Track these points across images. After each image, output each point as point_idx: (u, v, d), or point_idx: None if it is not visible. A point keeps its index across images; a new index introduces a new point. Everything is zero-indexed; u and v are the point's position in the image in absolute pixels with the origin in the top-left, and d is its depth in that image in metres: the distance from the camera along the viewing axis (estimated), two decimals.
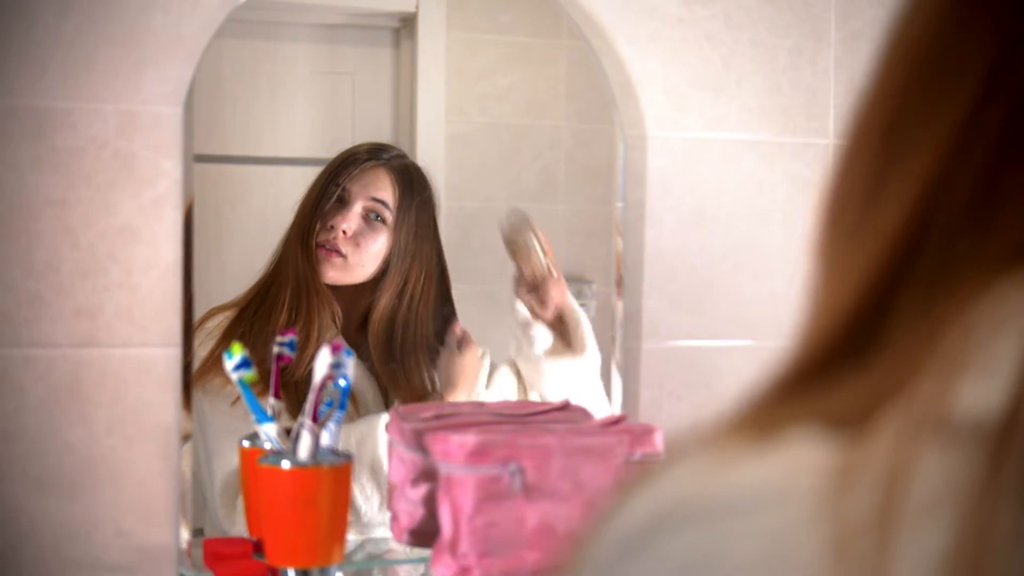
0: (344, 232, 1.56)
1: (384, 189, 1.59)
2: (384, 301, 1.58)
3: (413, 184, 1.62)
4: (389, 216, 1.59)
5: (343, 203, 1.58)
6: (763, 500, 0.36)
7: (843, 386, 0.38)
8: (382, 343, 1.58)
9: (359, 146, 1.63)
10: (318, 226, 1.56)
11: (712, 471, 0.37)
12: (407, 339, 1.59)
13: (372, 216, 1.58)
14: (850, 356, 0.38)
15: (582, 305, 1.85)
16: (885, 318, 0.37)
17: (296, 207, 1.59)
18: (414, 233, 1.60)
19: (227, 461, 1.44)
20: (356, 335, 1.60)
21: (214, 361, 1.45)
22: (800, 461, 0.36)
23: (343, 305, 1.58)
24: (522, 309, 1.64)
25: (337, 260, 1.57)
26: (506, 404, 1.39)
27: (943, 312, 0.36)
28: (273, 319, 1.52)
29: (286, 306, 1.53)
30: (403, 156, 1.64)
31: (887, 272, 0.38)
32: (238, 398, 1.37)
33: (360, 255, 1.57)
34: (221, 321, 1.54)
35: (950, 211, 0.37)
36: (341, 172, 1.59)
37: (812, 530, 0.34)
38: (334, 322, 1.56)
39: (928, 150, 0.38)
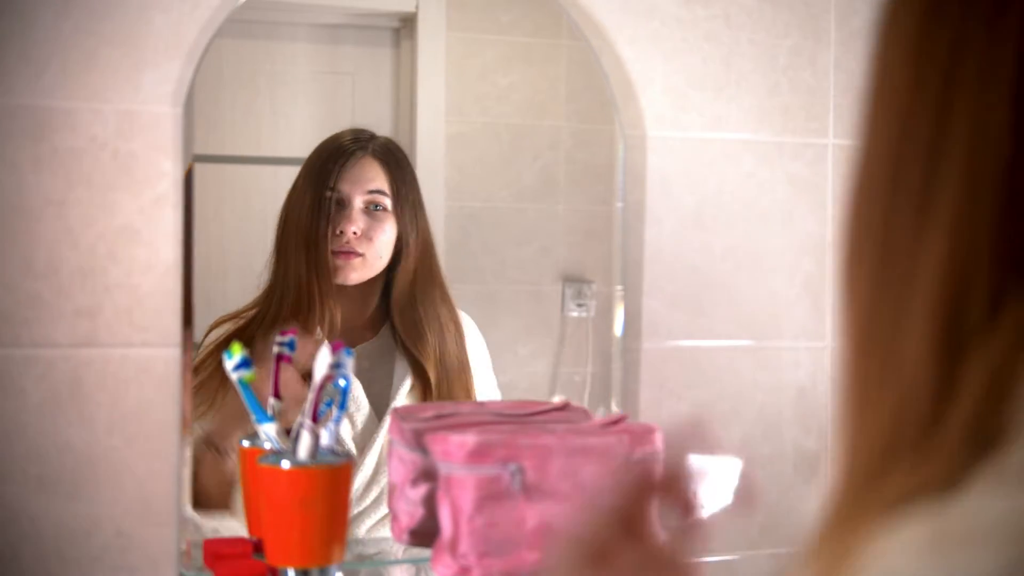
0: (355, 233, 1.57)
1: (376, 179, 1.60)
2: (402, 282, 1.60)
3: (399, 163, 1.63)
4: (389, 203, 1.60)
5: (341, 205, 1.58)
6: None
7: (924, 456, 0.38)
8: (408, 321, 1.60)
9: (329, 141, 1.62)
10: (328, 234, 1.56)
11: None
12: (429, 311, 1.61)
13: (372, 208, 1.59)
14: (922, 430, 0.38)
15: (581, 305, 1.85)
16: (951, 386, 0.38)
17: (285, 215, 1.58)
18: (412, 209, 1.61)
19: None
20: (363, 331, 1.61)
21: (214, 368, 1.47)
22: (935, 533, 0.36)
23: (349, 304, 1.59)
24: None
25: (356, 261, 1.58)
26: (506, 404, 1.39)
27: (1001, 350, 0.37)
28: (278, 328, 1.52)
29: (289, 316, 1.53)
30: (378, 137, 1.64)
31: (943, 351, 0.38)
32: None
33: (375, 249, 1.59)
34: (229, 328, 1.54)
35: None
36: (327, 172, 1.59)
37: None
38: (333, 324, 1.57)
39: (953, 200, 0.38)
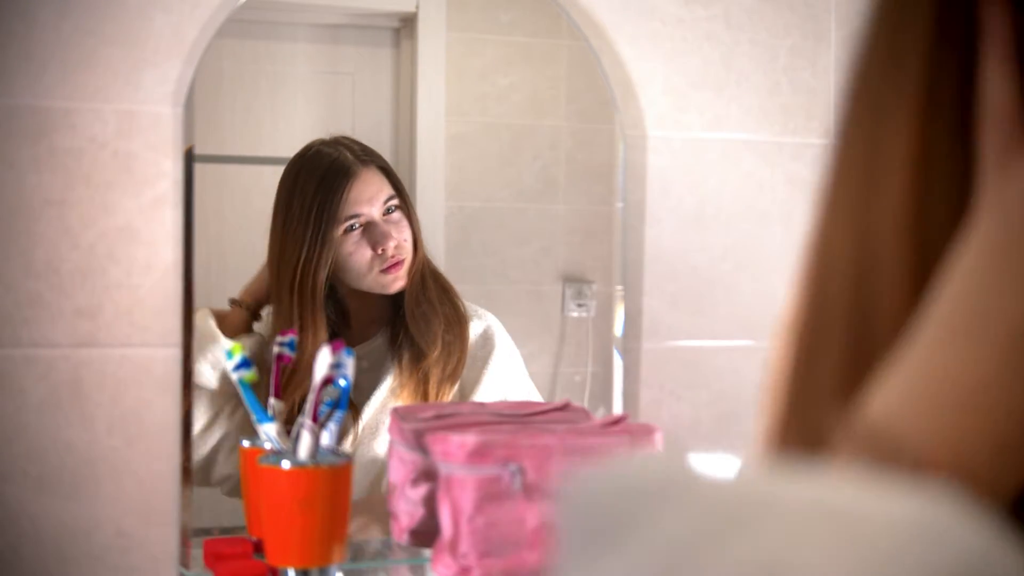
0: (392, 245, 1.58)
1: (381, 185, 1.59)
2: (415, 272, 1.61)
3: (375, 155, 1.62)
4: (397, 198, 1.60)
5: (366, 227, 1.57)
6: None
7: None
8: (419, 296, 1.60)
9: (311, 171, 1.59)
10: (369, 256, 1.57)
11: None
12: (438, 282, 1.62)
13: (388, 212, 1.59)
14: None
15: (581, 305, 1.85)
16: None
17: (284, 260, 1.56)
18: (401, 188, 1.62)
19: None
20: (373, 324, 1.61)
21: None
22: None
23: (359, 304, 1.60)
24: None
25: (404, 266, 1.59)
26: (506, 404, 1.40)
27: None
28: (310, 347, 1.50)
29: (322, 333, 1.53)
30: (342, 140, 1.62)
31: None
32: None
33: (408, 247, 1.60)
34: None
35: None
36: (336, 202, 1.57)
37: None
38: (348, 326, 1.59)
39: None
